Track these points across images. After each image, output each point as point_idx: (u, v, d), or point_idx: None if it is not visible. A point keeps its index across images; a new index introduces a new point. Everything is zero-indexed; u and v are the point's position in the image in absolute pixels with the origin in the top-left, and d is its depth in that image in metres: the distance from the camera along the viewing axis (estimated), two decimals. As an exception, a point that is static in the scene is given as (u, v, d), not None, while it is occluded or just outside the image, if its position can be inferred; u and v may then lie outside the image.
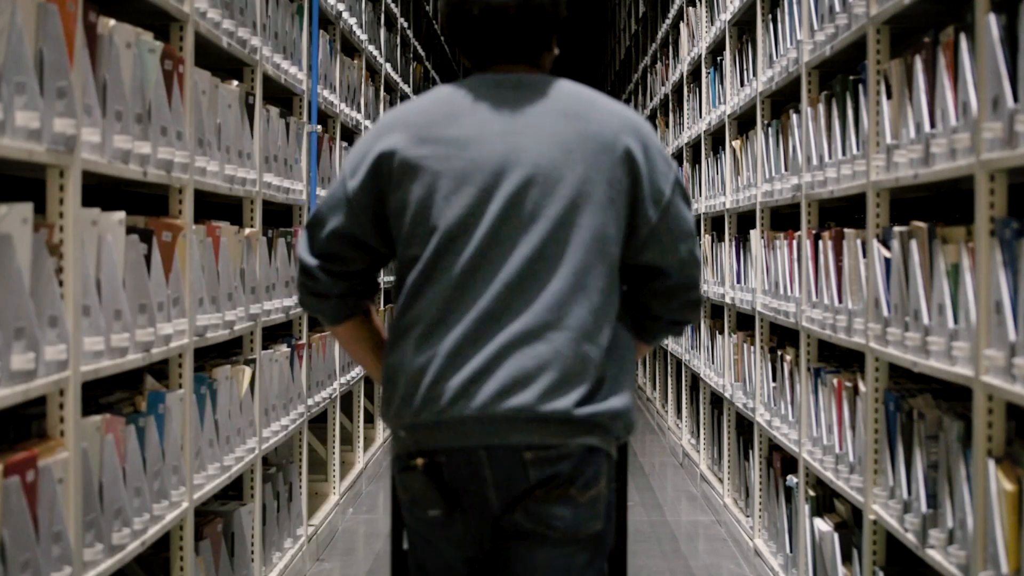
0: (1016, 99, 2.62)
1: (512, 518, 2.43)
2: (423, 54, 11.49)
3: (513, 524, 2.43)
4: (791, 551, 4.86)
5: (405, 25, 9.99)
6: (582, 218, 2.43)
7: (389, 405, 2.48)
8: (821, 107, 4.37)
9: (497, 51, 2.54)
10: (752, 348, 5.71)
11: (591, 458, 2.43)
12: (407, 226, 2.46)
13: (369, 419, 8.35)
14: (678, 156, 8.87)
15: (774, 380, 5.28)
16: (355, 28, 7.10)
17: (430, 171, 2.44)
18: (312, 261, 2.54)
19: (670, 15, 9.11)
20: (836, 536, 4.14)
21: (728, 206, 6.42)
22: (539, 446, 2.40)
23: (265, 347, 4.93)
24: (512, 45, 2.52)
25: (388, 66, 8.76)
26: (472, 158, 2.44)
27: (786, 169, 5.00)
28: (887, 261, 3.57)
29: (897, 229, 3.43)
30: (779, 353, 5.14)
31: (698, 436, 7.70)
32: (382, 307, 7.50)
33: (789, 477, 4.93)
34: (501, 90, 2.50)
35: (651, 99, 10.73)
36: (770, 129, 5.35)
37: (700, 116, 7.61)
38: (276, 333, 5.44)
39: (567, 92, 2.52)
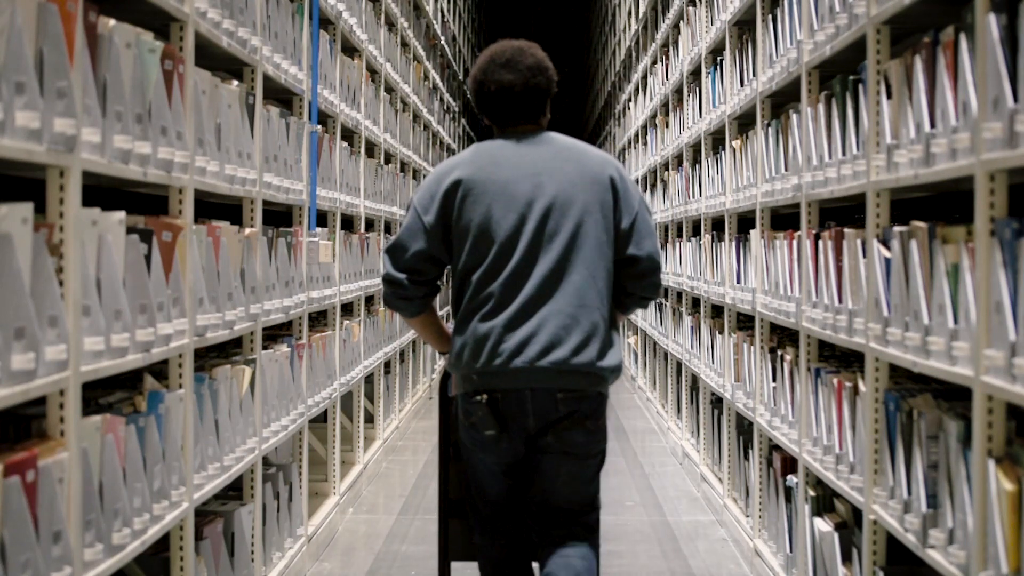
0: (1016, 99, 2.62)
1: (545, 439, 3.50)
2: (423, 54, 11.48)
3: (546, 443, 3.51)
4: (791, 551, 4.86)
5: (405, 25, 9.99)
6: (587, 230, 3.51)
7: (461, 359, 3.52)
8: (821, 107, 4.37)
9: (509, 116, 3.64)
10: (752, 348, 5.71)
11: (599, 399, 3.53)
12: (471, 240, 3.51)
13: (369, 419, 8.36)
14: (678, 156, 8.87)
15: (774, 380, 5.28)
16: (355, 28, 7.10)
17: (485, 203, 3.51)
18: (400, 276, 3.57)
19: (670, 15, 9.11)
20: (836, 536, 4.14)
21: (728, 206, 6.42)
22: (568, 389, 3.48)
23: (265, 347, 4.93)
24: (519, 112, 3.63)
25: (388, 66, 8.76)
26: (512, 193, 3.51)
27: (786, 169, 5.00)
28: (887, 261, 3.57)
29: (897, 229, 3.43)
30: (779, 353, 5.14)
31: (698, 436, 7.70)
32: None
33: (789, 477, 4.93)
34: (522, 145, 3.60)
35: (651, 99, 10.73)
36: (770, 129, 5.35)
37: (700, 116, 7.61)
38: (276, 333, 5.44)
39: (564, 143, 3.63)
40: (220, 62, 4.36)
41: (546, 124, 3.69)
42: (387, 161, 8.97)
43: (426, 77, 11.94)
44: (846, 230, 4.05)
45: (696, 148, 8.02)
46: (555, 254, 3.47)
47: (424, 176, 11.59)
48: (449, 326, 3.72)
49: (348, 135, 7.32)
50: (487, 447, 3.53)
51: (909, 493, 3.39)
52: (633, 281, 3.60)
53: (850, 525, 4.20)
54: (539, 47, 3.69)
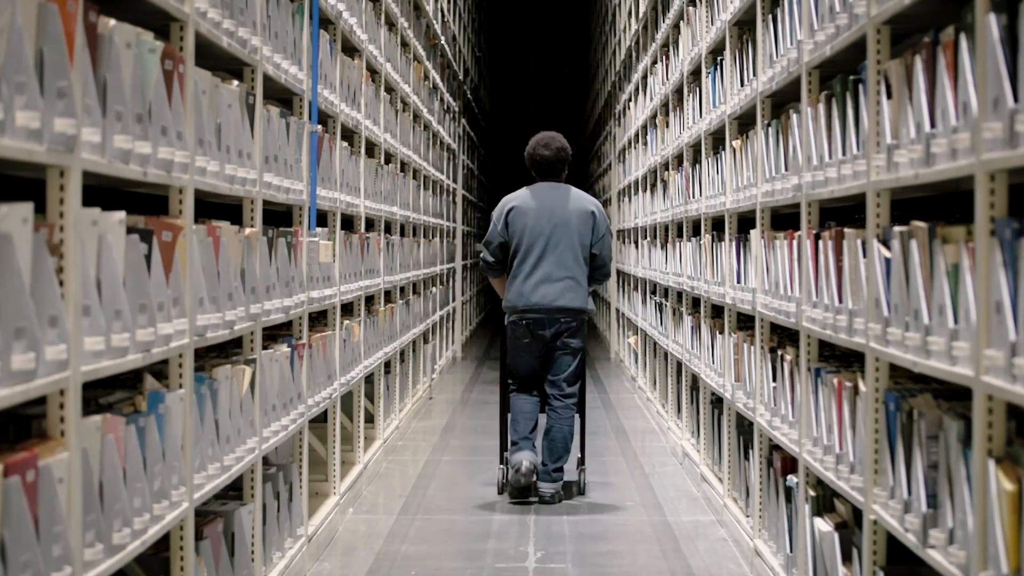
0: (1016, 99, 2.63)
1: (556, 343, 6.88)
2: (423, 54, 11.49)
3: (556, 346, 6.89)
4: (791, 551, 4.86)
5: (405, 25, 9.99)
6: (576, 238, 6.88)
7: (510, 301, 6.87)
8: (821, 107, 4.37)
9: (545, 173, 7.05)
10: (752, 348, 5.71)
11: (583, 321, 6.91)
12: (516, 240, 6.88)
13: (369, 419, 8.36)
14: (678, 156, 8.87)
15: (774, 380, 5.28)
16: (355, 28, 7.10)
17: (523, 221, 6.88)
18: (491, 258, 6.98)
19: (670, 15, 9.11)
20: (836, 536, 4.14)
21: (728, 206, 6.42)
22: (567, 318, 6.84)
23: (265, 347, 4.93)
24: (550, 171, 7.06)
25: (388, 66, 8.76)
26: (538, 216, 6.88)
27: (786, 169, 5.00)
28: (887, 261, 3.57)
29: (897, 229, 3.43)
30: (779, 353, 5.14)
31: (698, 436, 7.70)
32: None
33: (789, 477, 4.93)
34: (549, 189, 6.99)
35: (651, 99, 10.73)
36: (770, 129, 5.35)
37: (700, 116, 7.61)
38: (276, 333, 5.44)
39: (570, 191, 6.99)
40: (220, 62, 4.36)
41: (564, 177, 7.08)
42: (387, 161, 8.97)
43: (426, 77, 11.94)
44: (846, 230, 4.05)
45: (696, 148, 8.03)
46: (559, 249, 6.85)
47: (426, 176, 11.66)
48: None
49: (348, 135, 7.32)
50: (523, 347, 6.91)
51: (909, 493, 3.39)
52: (594, 271, 6.97)
53: (850, 525, 4.20)
54: (563, 136, 7.14)
